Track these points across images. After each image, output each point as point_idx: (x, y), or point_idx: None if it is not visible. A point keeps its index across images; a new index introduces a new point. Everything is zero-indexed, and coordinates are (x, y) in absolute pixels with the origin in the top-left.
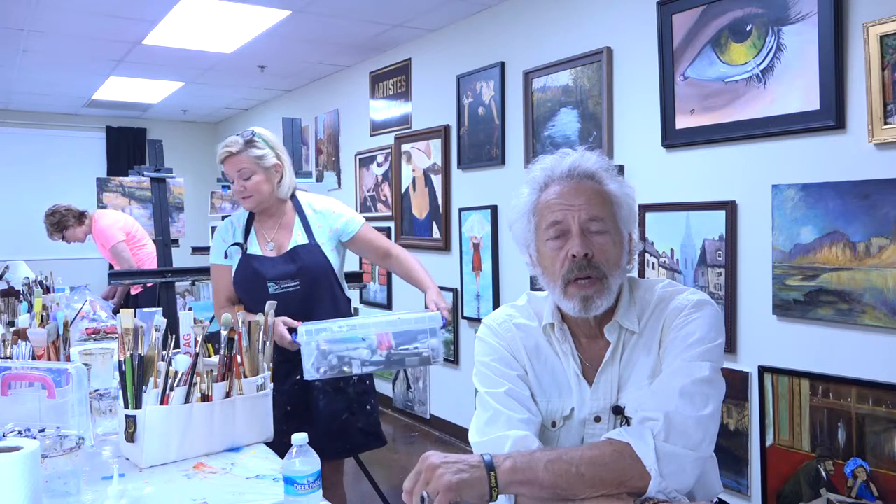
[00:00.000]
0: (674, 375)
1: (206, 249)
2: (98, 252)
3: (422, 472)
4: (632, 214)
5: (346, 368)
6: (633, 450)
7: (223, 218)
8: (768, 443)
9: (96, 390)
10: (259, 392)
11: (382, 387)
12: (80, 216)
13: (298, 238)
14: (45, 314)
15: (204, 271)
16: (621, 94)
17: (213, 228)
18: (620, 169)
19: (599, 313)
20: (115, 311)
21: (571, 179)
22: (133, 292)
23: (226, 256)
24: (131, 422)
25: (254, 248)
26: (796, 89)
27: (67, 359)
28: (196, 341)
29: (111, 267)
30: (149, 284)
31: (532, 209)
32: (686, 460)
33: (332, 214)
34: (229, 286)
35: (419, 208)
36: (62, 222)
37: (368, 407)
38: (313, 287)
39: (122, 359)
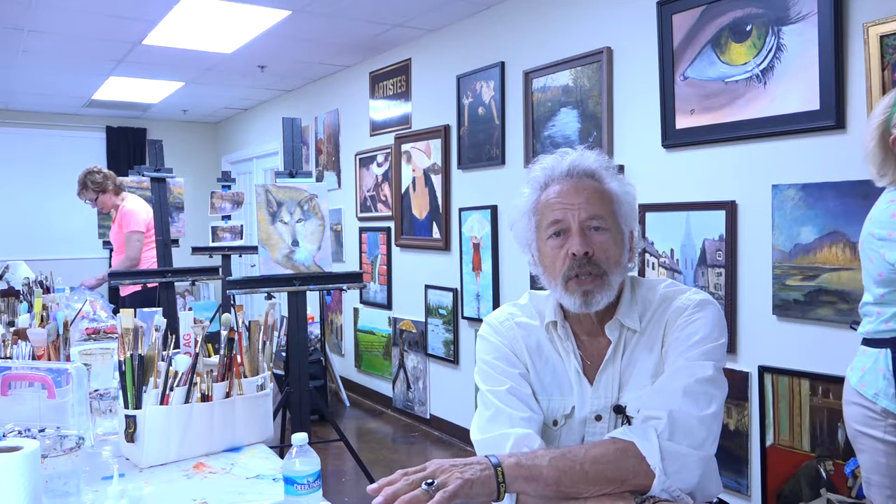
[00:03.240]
0: (677, 375)
1: (206, 249)
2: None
3: (426, 469)
4: (633, 212)
5: None
6: (637, 448)
7: (223, 218)
8: (768, 443)
9: (96, 390)
10: (259, 392)
11: (383, 387)
12: (118, 189)
13: None
14: (45, 314)
15: (204, 271)
16: (621, 94)
17: (214, 228)
18: (620, 169)
19: (600, 308)
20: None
21: (571, 178)
22: (123, 293)
23: None
24: (131, 422)
25: None
26: (796, 89)
27: (67, 359)
28: (196, 341)
29: (110, 261)
30: (150, 285)
31: (533, 208)
32: (690, 459)
33: None
34: None
35: (419, 208)
36: (104, 183)
37: None
38: None
39: (122, 359)
